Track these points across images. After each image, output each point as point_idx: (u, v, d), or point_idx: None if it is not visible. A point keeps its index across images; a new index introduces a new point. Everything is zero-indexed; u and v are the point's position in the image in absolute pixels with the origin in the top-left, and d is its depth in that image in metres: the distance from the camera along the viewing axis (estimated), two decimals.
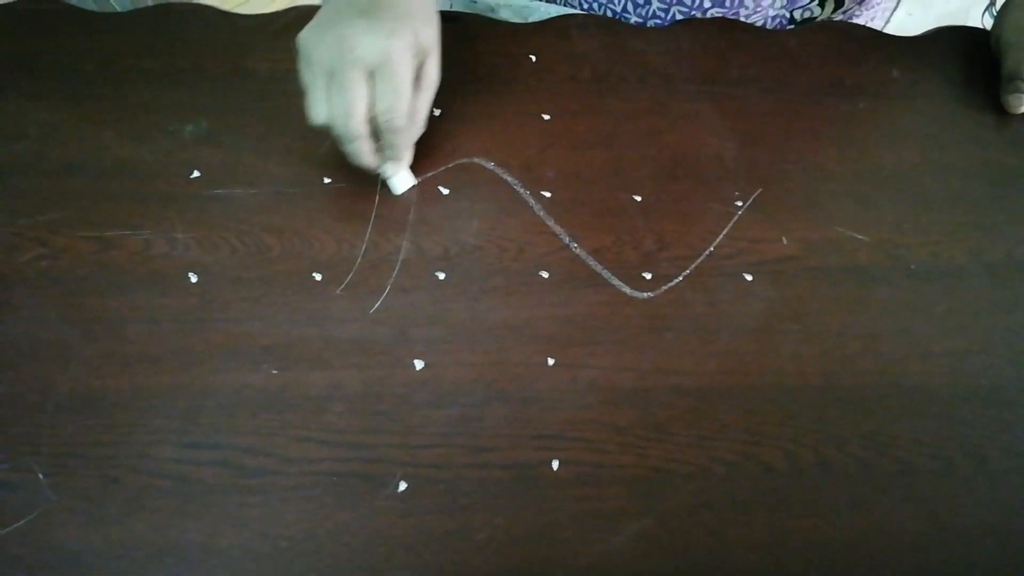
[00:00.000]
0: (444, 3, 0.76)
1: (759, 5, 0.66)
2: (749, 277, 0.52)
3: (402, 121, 0.48)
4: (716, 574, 0.42)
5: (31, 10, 0.61)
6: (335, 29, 0.46)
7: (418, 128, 0.51)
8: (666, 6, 0.67)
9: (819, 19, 0.70)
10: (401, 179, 0.52)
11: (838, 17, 0.72)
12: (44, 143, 0.55)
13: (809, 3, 0.68)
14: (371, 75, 0.47)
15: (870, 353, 0.50)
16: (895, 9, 0.78)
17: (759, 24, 0.68)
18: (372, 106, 0.48)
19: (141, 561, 0.41)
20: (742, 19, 0.67)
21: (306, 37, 0.48)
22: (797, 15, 0.69)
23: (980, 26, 0.66)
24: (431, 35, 0.50)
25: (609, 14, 0.69)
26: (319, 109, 0.48)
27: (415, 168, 0.54)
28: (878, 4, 0.74)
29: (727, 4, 0.66)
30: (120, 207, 0.52)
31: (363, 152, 0.49)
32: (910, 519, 0.45)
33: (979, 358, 0.50)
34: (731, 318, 0.50)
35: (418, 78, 0.49)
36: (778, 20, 0.69)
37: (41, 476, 0.43)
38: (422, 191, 0.54)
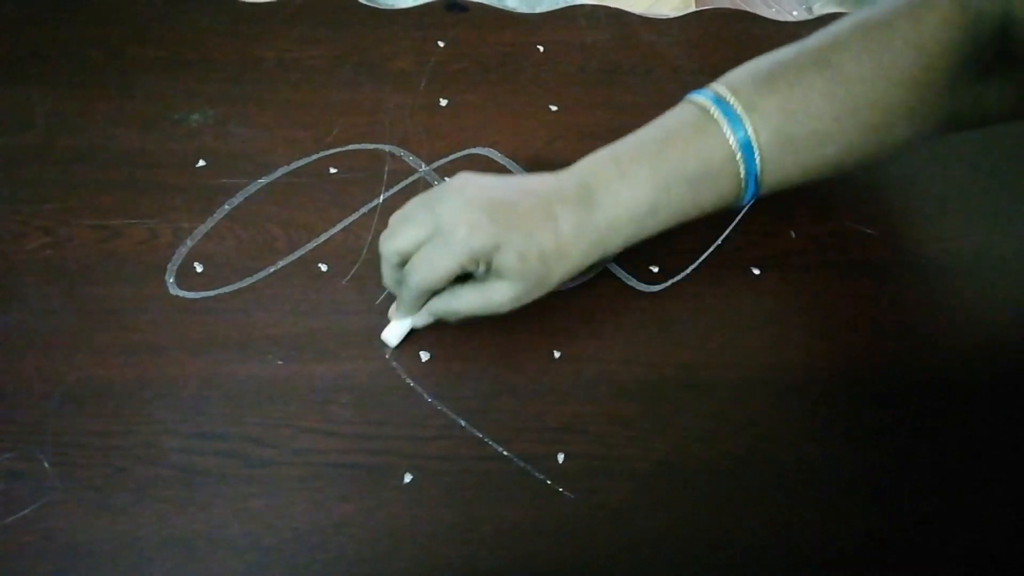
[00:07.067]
0: None
1: None
2: (757, 271, 0.52)
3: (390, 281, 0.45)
4: (723, 570, 0.42)
5: None
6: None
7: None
8: None
9: None
10: (392, 330, 0.47)
11: None
12: (50, 132, 0.54)
13: None
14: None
15: (878, 348, 0.49)
16: None
17: None
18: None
19: (147, 551, 0.41)
20: None
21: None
22: None
23: None
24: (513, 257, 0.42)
25: None
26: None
27: (420, 157, 0.54)
28: None
29: None
30: (126, 196, 0.52)
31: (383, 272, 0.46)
32: (920, 513, 0.45)
33: (990, 354, 0.50)
34: (739, 312, 0.50)
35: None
36: None
37: (47, 465, 0.43)
38: (429, 181, 0.54)
